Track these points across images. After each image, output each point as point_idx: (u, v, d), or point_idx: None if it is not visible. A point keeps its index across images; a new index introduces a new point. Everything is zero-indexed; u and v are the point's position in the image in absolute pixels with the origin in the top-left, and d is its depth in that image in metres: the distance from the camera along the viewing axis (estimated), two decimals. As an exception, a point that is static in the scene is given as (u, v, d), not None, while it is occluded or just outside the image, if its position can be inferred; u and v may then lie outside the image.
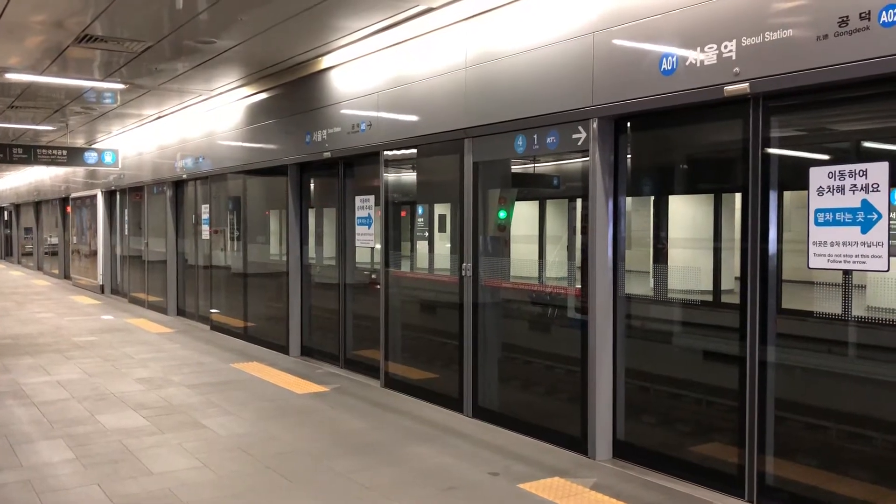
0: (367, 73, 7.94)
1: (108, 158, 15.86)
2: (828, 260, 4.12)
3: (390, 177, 7.78)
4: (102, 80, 10.25)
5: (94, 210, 19.09)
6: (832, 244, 4.09)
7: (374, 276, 8.43)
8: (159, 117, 13.72)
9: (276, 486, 4.93)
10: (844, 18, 3.91)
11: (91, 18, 7.25)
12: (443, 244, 7.58)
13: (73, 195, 21.39)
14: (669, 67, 4.83)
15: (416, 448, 5.75)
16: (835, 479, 4.32)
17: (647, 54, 4.98)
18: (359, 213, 8.51)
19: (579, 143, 5.50)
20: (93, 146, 17.01)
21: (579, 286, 5.58)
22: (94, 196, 19.07)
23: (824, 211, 4.13)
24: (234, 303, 11.51)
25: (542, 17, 5.80)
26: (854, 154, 4.23)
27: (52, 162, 14.90)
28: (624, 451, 5.43)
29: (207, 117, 11.98)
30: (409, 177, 7.72)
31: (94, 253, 19.13)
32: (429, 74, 6.98)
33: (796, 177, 4.41)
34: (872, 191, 3.91)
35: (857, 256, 3.99)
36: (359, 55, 8.01)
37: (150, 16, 7.20)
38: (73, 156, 15.60)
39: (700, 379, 5.18)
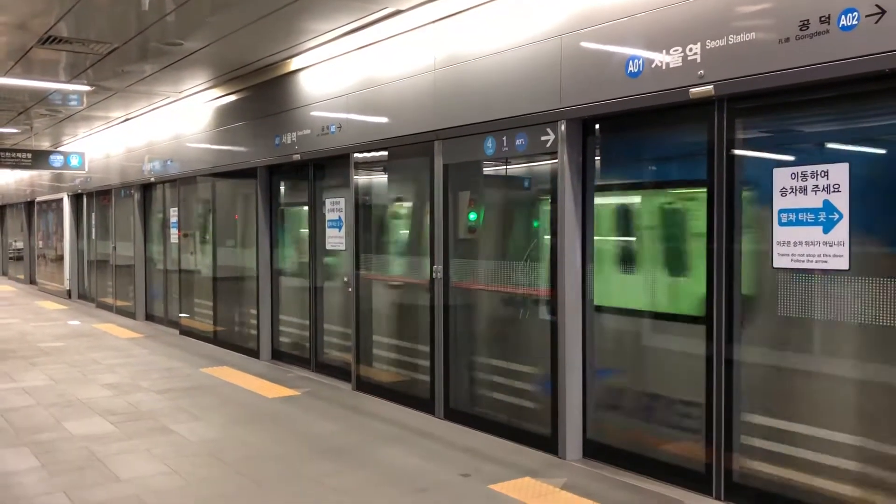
0: (336, 76, 7.92)
1: (74, 161, 15.65)
2: (791, 259, 4.19)
3: (361, 179, 7.76)
4: (68, 82, 10.10)
5: (61, 214, 18.80)
6: (795, 244, 4.16)
7: (345, 278, 8.40)
8: (126, 120, 13.56)
9: (246, 491, 4.90)
10: (805, 22, 3.98)
11: (55, 19, 7.15)
12: (410, 246, 7.58)
13: (39, 199, 21.05)
14: (636, 70, 4.88)
15: (388, 450, 5.74)
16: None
17: (613, 57, 5.03)
18: (329, 216, 8.48)
19: (548, 145, 5.53)
20: (58, 149, 16.77)
21: (549, 287, 5.61)
22: (61, 200, 18.78)
23: (787, 211, 4.20)
24: (204, 307, 11.40)
25: (511, 19, 5.83)
26: (816, 155, 4.30)
27: (17, 165, 14.67)
28: (594, 450, 5.47)
29: (176, 120, 11.86)
30: (380, 179, 7.71)
31: (61, 257, 18.84)
32: (398, 76, 6.99)
33: (760, 178, 4.47)
34: (834, 191, 3.99)
35: (819, 256, 4.06)
36: (328, 57, 7.98)
37: (116, 17, 7.12)
38: (39, 159, 15.36)
39: (668, 379, 5.23)
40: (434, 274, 6.63)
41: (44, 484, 4.99)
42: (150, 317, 14.03)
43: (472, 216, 6.40)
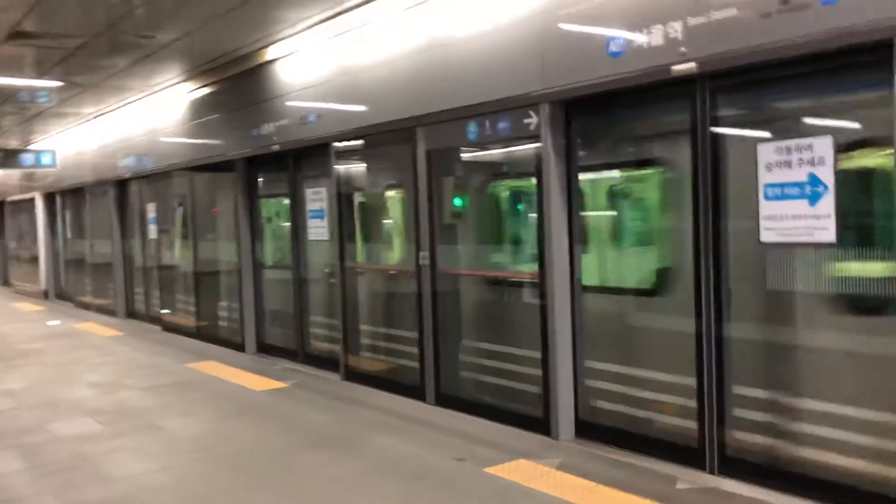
0: (313, 64, 7.83)
1: (45, 160, 15.40)
2: (778, 234, 4.22)
3: (342, 168, 7.71)
4: (36, 79, 9.91)
5: (34, 213, 18.51)
6: (782, 218, 4.18)
7: (327, 269, 8.37)
8: (99, 116, 13.34)
9: (240, 485, 4.87)
10: (786, -4, 3.98)
11: (21, 14, 7.00)
12: (395, 233, 7.56)
13: (10, 198, 20.70)
14: (618, 49, 4.87)
15: (381, 438, 5.73)
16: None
17: (594, 37, 5.02)
18: (311, 206, 8.42)
19: (531, 128, 5.51)
20: (29, 147, 16.48)
21: (537, 270, 5.62)
22: (33, 199, 18.49)
23: (773, 186, 4.22)
24: (186, 302, 11.29)
25: (490, 2, 5.79)
26: (799, 130, 4.33)
27: (-15, 165, 14.40)
28: (587, 430, 5.50)
29: (150, 114, 11.68)
30: (362, 167, 7.66)
31: (36, 258, 18.56)
32: (377, 63, 6.93)
33: (744, 154, 4.49)
34: (819, 164, 4.02)
35: (805, 229, 4.09)
36: (304, 46, 7.90)
37: (85, 10, 6.98)
38: (8, 158, 15.10)
39: (662, 357, 5.26)
40: (420, 260, 6.61)
41: (32, 486, 4.93)
42: (130, 314, 13.88)
43: (457, 201, 6.38)
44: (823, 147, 4.01)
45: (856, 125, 4.22)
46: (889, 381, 3.99)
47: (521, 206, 6.13)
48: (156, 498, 4.65)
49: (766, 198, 4.26)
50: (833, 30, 3.81)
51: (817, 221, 4.03)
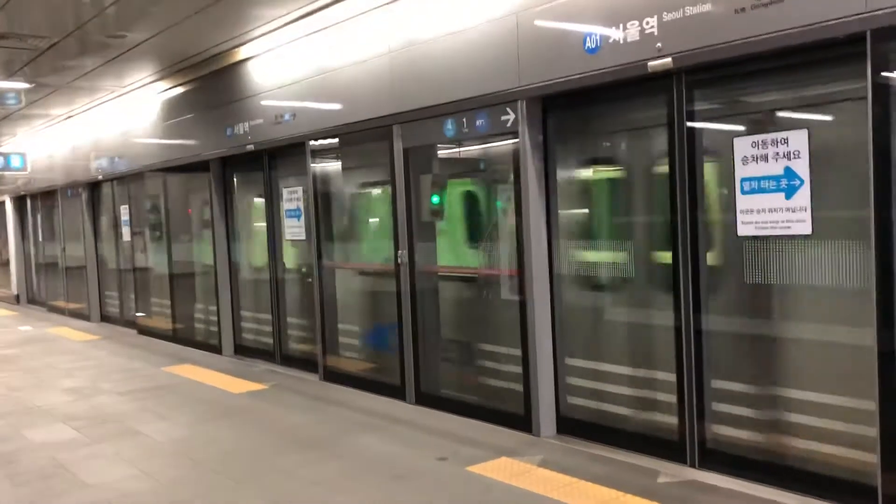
0: (288, 63, 7.77)
1: (15, 162, 15.13)
2: (755, 227, 4.25)
3: (318, 167, 7.65)
4: (4, 80, 9.74)
5: (3, 217, 18.21)
6: (758, 211, 4.21)
7: (303, 268, 8.31)
8: (70, 117, 13.14)
9: (221, 488, 4.82)
10: (760, -9, 4.01)
11: (-12, 14, 6.87)
12: (373, 232, 7.52)
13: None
14: (594, 46, 4.87)
15: (362, 438, 5.70)
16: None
17: (570, 33, 5.02)
18: (287, 206, 8.35)
19: (508, 125, 5.51)
20: (-3, 150, 16.20)
21: (517, 267, 5.61)
22: (2, 203, 18.18)
23: (749, 179, 4.25)
24: (162, 305, 11.16)
25: (465, -1, 5.78)
26: (775, 124, 4.36)
27: (-48, 169, 14.13)
28: (568, 426, 5.51)
29: (122, 115, 11.52)
30: (339, 166, 7.61)
31: (7, 262, 18.26)
32: (353, 61, 6.88)
33: (721, 148, 4.52)
34: (794, 157, 4.05)
35: (782, 222, 4.12)
36: (279, 44, 7.82)
37: (54, 10, 6.86)
38: (-24, 161, 14.83)
39: (639, 350, 5.28)
40: (399, 259, 6.58)
41: (7, 496, 4.84)
42: (105, 318, 13.70)
43: (435, 199, 6.36)
44: (799, 141, 4.04)
45: (830, 118, 4.26)
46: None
47: (499, 203, 6.12)
48: (135, 504, 4.59)
49: (743, 191, 4.29)
50: (807, 24, 3.84)
51: (793, 214, 4.06)
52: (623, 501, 4.26)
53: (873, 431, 3.85)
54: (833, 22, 3.75)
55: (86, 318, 13.97)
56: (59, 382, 8.32)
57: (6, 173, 15.75)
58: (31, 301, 17.49)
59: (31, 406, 7.26)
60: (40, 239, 16.59)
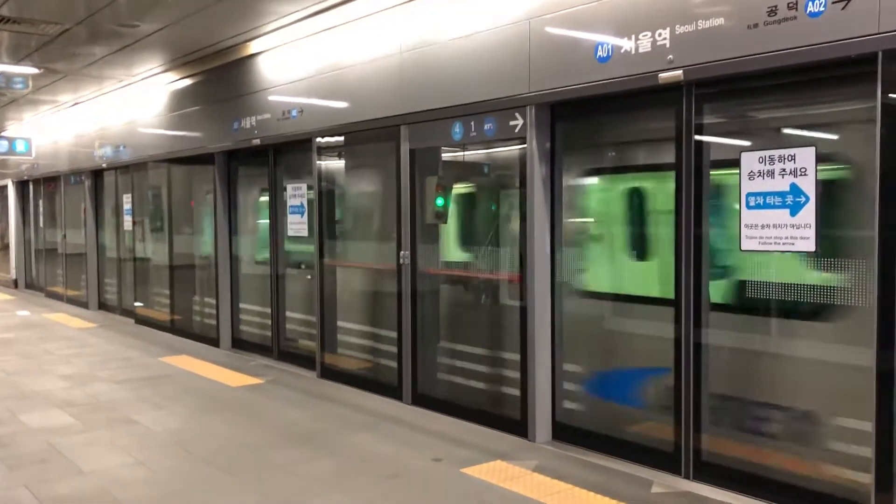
0: (298, 59, 7.79)
1: (20, 147, 15.15)
2: (759, 242, 4.27)
3: (324, 164, 7.67)
4: (13, 64, 9.74)
5: (5, 201, 18.21)
6: (763, 226, 4.23)
7: (302, 265, 8.32)
8: (76, 104, 13.15)
9: (215, 481, 4.82)
10: (773, 8, 4.04)
11: (1, 0, 6.87)
12: (375, 232, 7.53)
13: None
14: (605, 55, 4.90)
15: (357, 437, 5.71)
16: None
17: (582, 42, 5.04)
18: (291, 202, 8.37)
19: (516, 130, 5.53)
20: (2, 134, 16.19)
21: (518, 272, 5.63)
22: (5, 187, 18.18)
23: (755, 195, 4.27)
24: (161, 295, 11.17)
25: (478, 3, 5.80)
26: (782, 140, 4.39)
27: (-43, 150, 14.14)
28: (564, 433, 5.52)
29: (129, 104, 11.54)
30: (344, 164, 7.62)
31: (6, 246, 18.25)
32: (363, 60, 6.90)
33: (728, 163, 4.54)
34: (801, 175, 4.07)
35: (786, 238, 4.14)
36: (289, 40, 7.84)
37: (68, -3, 6.89)
38: (-19, 144, 14.84)
39: (637, 360, 5.30)
40: (401, 259, 6.60)
41: (3, 479, 4.84)
42: (103, 306, 13.70)
43: (440, 201, 6.38)
44: (806, 158, 4.06)
45: (837, 137, 4.28)
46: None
47: (504, 209, 6.13)
48: (130, 493, 4.59)
49: (748, 206, 4.30)
50: (818, 42, 3.86)
51: (797, 231, 4.08)
52: (616, 510, 4.27)
53: (868, 451, 3.87)
54: (845, 41, 3.77)
55: (84, 305, 13.97)
56: (56, 368, 8.33)
57: (10, 158, 15.76)
58: (30, 286, 17.49)
59: (28, 391, 7.27)
60: (41, 224, 16.59)
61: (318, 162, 7.65)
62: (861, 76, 3.84)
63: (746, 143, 4.50)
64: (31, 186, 17.11)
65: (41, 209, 16.58)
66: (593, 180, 5.67)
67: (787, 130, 4.38)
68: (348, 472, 4.95)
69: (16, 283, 17.82)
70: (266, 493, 4.60)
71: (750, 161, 4.29)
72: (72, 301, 14.56)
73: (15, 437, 5.76)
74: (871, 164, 3.77)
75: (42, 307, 14.20)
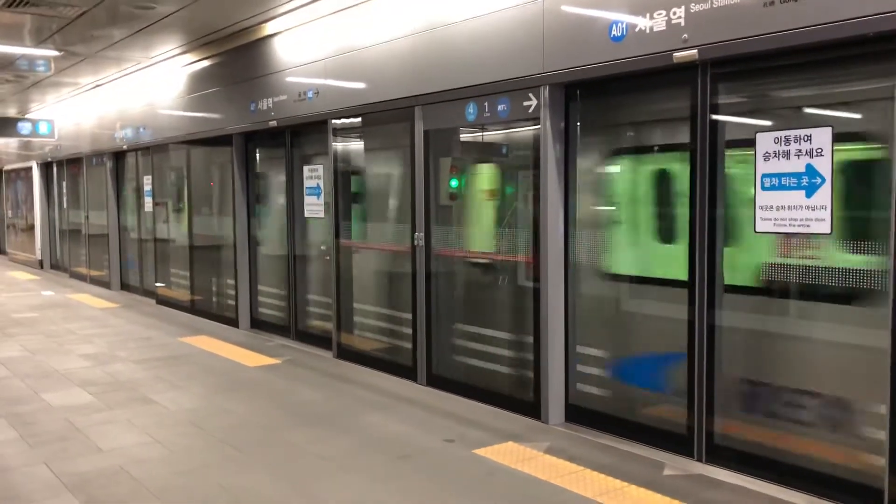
0: (313, 40, 7.77)
1: (43, 129, 15.32)
2: (774, 224, 4.21)
3: (339, 145, 7.67)
4: (35, 47, 9.83)
5: (30, 182, 18.44)
6: (778, 208, 4.18)
7: (322, 246, 8.35)
8: (97, 86, 13.25)
9: (230, 460, 4.89)
10: (790, -15, 3.95)
11: (21, -19, 6.93)
12: (390, 213, 7.54)
13: (7, 167, 20.61)
14: (619, 34, 4.83)
15: (371, 417, 5.75)
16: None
17: (596, 21, 4.98)
18: (307, 183, 8.39)
19: (530, 111, 5.49)
20: (27, 116, 16.38)
21: (532, 254, 5.61)
22: (30, 168, 18.41)
23: (770, 176, 4.21)
24: (181, 276, 11.28)
25: (492, -18, 5.74)
26: (798, 120, 4.31)
27: (-17, 133, 14.33)
28: (577, 414, 5.52)
29: (148, 86, 11.61)
30: (359, 145, 7.62)
31: (32, 227, 18.51)
32: (378, 41, 6.87)
33: (743, 142, 4.47)
34: (817, 155, 4.00)
35: (801, 220, 4.08)
36: (305, 21, 7.83)
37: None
38: (5, 126, 15.02)
39: (651, 343, 5.27)
40: (416, 241, 6.60)
41: (24, 456, 4.94)
42: (125, 286, 13.87)
43: (454, 182, 6.36)
44: (822, 138, 3.99)
45: (855, 116, 4.20)
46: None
47: (518, 189, 6.10)
48: (147, 471, 4.67)
49: (763, 188, 4.25)
50: (836, 20, 3.78)
51: (812, 213, 4.02)
52: (626, 492, 4.27)
53: (882, 434, 3.83)
54: (863, 18, 3.69)
55: (106, 285, 14.16)
56: (77, 348, 8.46)
57: (34, 139, 15.94)
58: (54, 266, 17.75)
59: (50, 370, 7.39)
60: (65, 206, 16.81)
61: (333, 143, 7.65)
62: (879, 54, 3.76)
63: (762, 123, 4.43)
64: (54, 168, 17.31)
65: (65, 190, 16.79)
66: (607, 161, 5.61)
67: (804, 110, 4.30)
68: (362, 452, 4.99)
69: (41, 264, 18.09)
70: (280, 473, 4.65)
71: (765, 142, 4.23)
72: (95, 281, 14.77)
73: (36, 414, 5.87)
74: (890, 143, 3.70)
75: (66, 287, 14.41)
